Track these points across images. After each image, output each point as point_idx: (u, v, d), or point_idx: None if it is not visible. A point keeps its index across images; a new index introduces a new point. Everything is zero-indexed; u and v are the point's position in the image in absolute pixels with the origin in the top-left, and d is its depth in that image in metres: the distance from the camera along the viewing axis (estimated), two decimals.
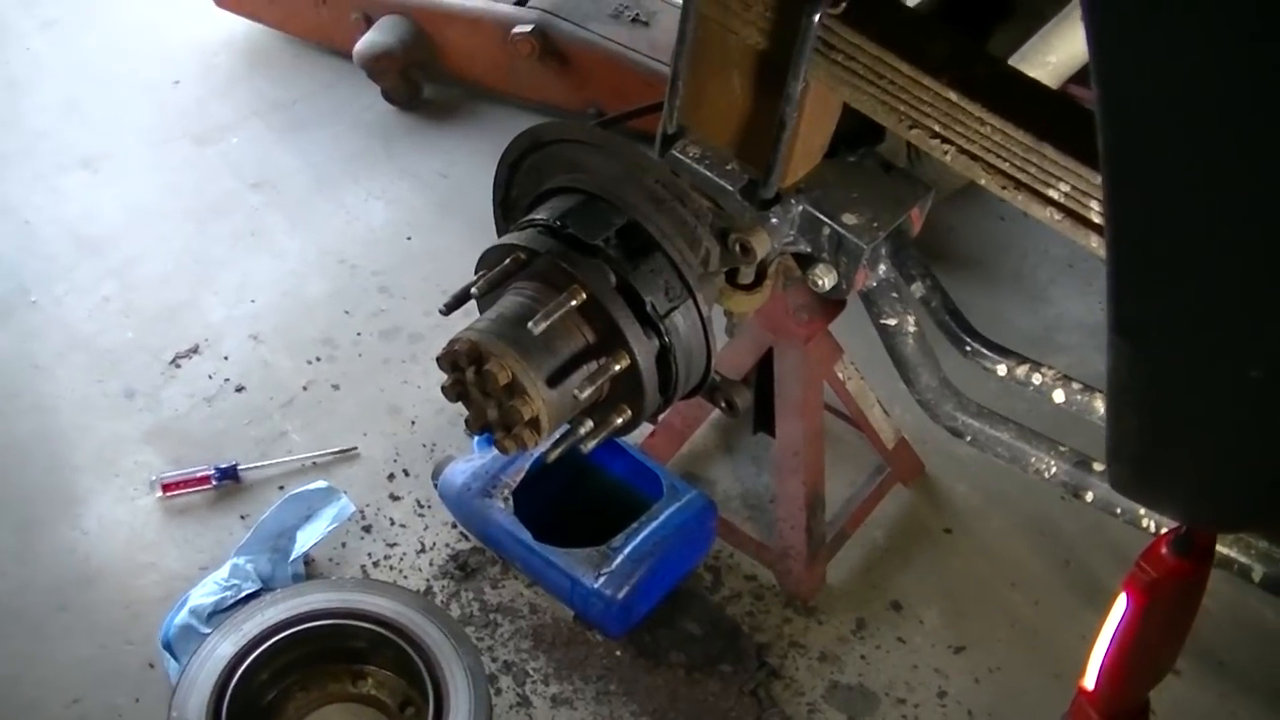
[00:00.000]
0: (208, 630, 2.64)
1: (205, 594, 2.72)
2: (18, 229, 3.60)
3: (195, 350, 3.29)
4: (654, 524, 2.73)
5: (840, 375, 2.73)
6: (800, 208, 2.13)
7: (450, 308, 2.08)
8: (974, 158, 1.85)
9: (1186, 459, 1.31)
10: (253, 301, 3.42)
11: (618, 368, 1.98)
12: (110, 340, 3.31)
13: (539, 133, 2.13)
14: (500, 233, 2.33)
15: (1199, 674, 2.72)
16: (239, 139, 3.88)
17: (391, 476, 3.05)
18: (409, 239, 3.58)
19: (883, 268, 2.19)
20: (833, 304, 2.47)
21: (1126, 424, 1.31)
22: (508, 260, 2.03)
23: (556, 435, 2.11)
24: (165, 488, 2.98)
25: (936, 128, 1.86)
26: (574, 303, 1.95)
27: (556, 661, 2.75)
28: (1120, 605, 1.65)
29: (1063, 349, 3.31)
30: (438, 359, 2.03)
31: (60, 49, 4.18)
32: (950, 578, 2.91)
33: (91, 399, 3.19)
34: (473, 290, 2.03)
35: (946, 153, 1.87)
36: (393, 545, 2.93)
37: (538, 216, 2.07)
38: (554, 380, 1.98)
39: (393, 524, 2.97)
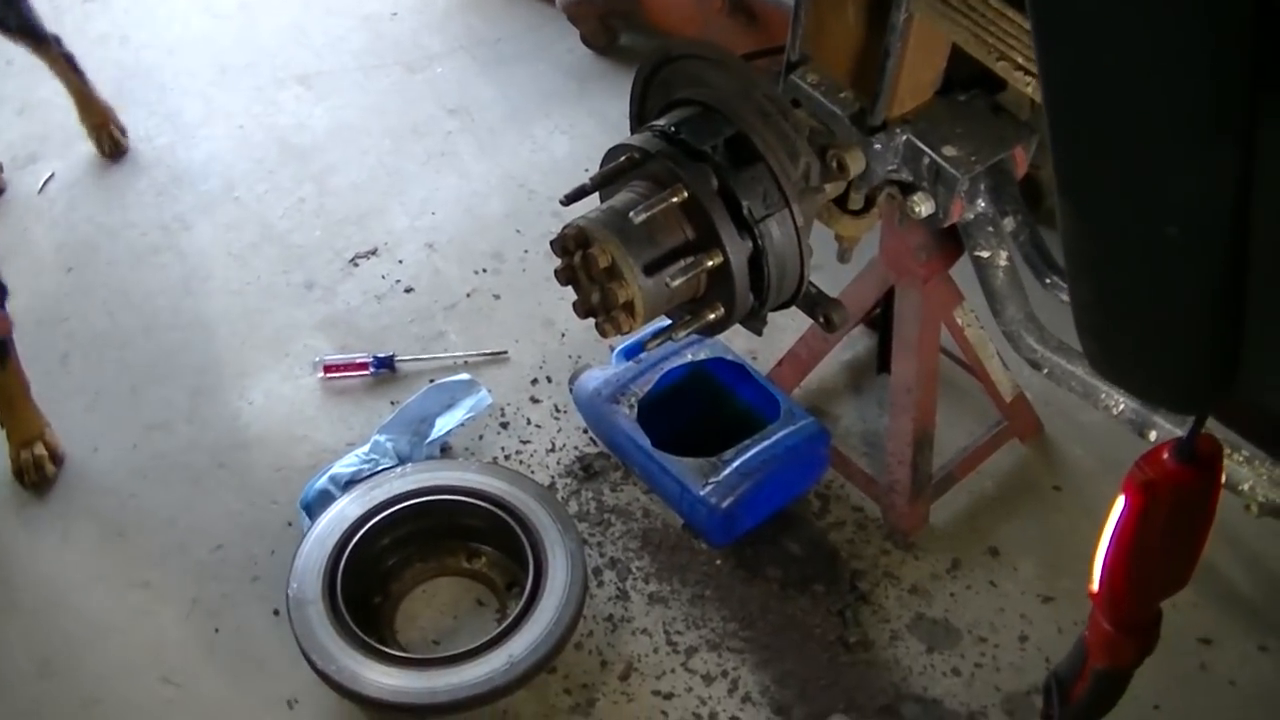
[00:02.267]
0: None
1: (346, 465, 2.96)
2: (233, 133, 3.93)
3: (374, 252, 3.56)
4: (765, 443, 2.87)
5: (959, 321, 2.83)
6: (905, 137, 2.25)
7: (570, 199, 2.26)
8: None
9: (1134, 329, 1.39)
10: (433, 214, 3.67)
11: (711, 263, 2.12)
12: (300, 237, 3.60)
13: (669, 48, 2.29)
14: None
15: None
16: (444, 69, 4.14)
17: (535, 381, 3.26)
18: (587, 170, 3.77)
19: (981, 202, 2.30)
20: (952, 247, 2.59)
21: (1082, 292, 1.40)
22: (622, 158, 2.21)
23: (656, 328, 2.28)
24: (326, 369, 3.24)
25: (1020, 59, 1.97)
26: (675, 199, 2.10)
27: (660, 563, 2.92)
28: (1118, 505, 1.75)
29: None
30: (551, 243, 2.22)
31: None
32: (1052, 532, 2.99)
33: (275, 287, 3.48)
34: (587, 183, 2.22)
35: (1029, 85, 1.98)
36: (526, 442, 3.13)
37: (657, 123, 2.24)
38: (651, 269, 2.14)
39: (529, 423, 3.17)
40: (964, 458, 3.03)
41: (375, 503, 2.79)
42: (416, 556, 2.88)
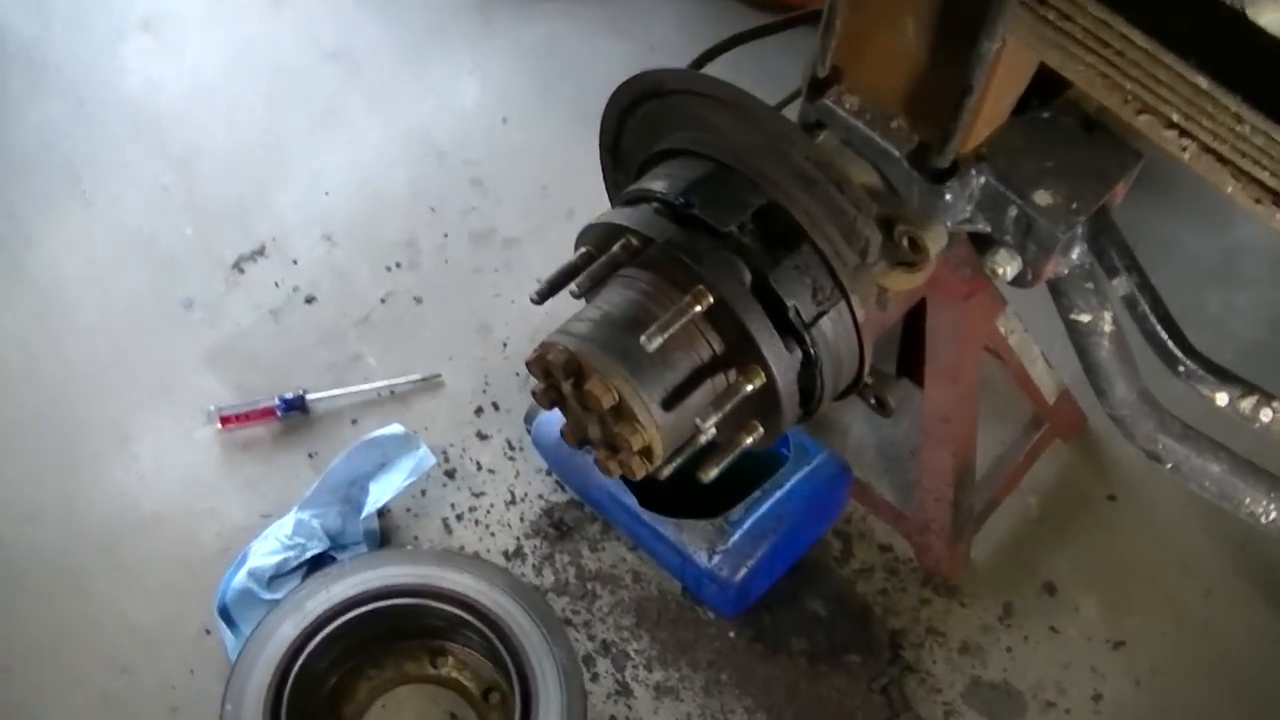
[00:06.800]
0: (268, 595, 2.37)
1: (267, 553, 2.43)
2: (69, 105, 3.18)
3: (261, 252, 2.93)
4: (778, 493, 2.38)
5: (1002, 330, 2.33)
6: (981, 179, 1.72)
7: (543, 296, 1.71)
8: (1223, 160, 1.42)
9: None
10: (326, 195, 3.03)
11: (750, 388, 1.61)
12: (168, 239, 2.95)
13: (660, 80, 1.73)
14: (609, 182, 1.95)
15: None
16: (316, 1, 3.44)
17: (479, 411, 2.71)
18: (504, 121, 3.17)
19: (1076, 251, 1.78)
20: None
21: None
22: (617, 247, 1.66)
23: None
24: (224, 421, 2.66)
25: (1175, 117, 1.44)
26: (698, 308, 1.57)
27: (661, 643, 2.44)
28: None
29: (1246, 283, 2.87)
30: (528, 363, 1.68)
31: None
32: (1112, 557, 2.55)
33: (146, 311, 2.84)
34: (572, 289, 1.66)
35: (1185, 149, 1.45)
36: (479, 495, 2.60)
37: (655, 187, 1.68)
38: (670, 402, 1.62)
39: (479, 469, 2.64)
40: (1004, 475, 2.56)
41: (313, 618, 2.25)
42: (369, 664, 2.38)
